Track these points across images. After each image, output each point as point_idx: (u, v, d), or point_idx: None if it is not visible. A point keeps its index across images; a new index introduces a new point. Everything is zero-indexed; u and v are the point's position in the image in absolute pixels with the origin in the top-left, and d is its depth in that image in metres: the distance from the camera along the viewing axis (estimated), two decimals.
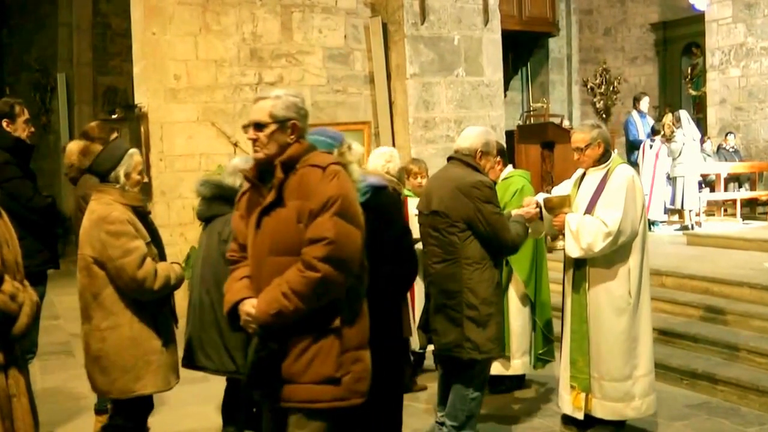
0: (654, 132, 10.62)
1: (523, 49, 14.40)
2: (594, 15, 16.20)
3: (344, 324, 2.86)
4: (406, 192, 5.45)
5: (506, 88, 12.71)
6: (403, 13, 8.89)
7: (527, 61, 14.68)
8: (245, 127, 2.97)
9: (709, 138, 12.38)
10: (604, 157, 4.51)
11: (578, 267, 4.48)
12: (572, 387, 4.50)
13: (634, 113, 11.39)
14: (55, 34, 13.75)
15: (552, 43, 14.65)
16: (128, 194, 3.68)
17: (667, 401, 5.14)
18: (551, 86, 14.71)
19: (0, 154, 4.74)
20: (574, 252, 4.37)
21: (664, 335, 6.13)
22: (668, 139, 10.24)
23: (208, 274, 4.08)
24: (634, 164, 10.40)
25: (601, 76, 16.12)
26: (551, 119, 12.56)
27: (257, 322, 2.83)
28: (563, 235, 4.42)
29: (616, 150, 7.91)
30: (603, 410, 4.44)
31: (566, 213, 4.42)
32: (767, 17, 11.94)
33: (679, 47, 15.92)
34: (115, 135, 4.94)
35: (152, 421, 4.10)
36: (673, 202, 10.39)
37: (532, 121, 13.25)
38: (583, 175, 4.60)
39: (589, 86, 16.02)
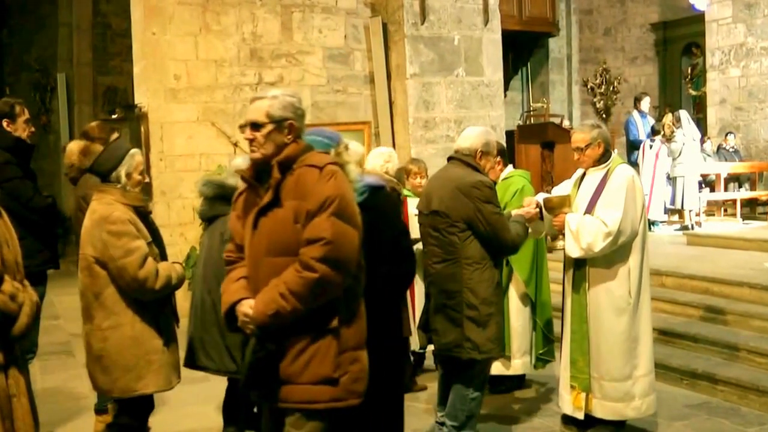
0: (654, 132, 10.62)
1: (523, 49, 14.40)
2: (594, 15, 16.20)
3: (342, 324, 2.86)
4: (405, 192, 5.46)
5: (506, 88, 12.71)
6: (403, 13, 8.89)
7: (527, 61, 14.68)
8: (242, 127, 2.96)
9: (709, 138, 12.38)
10: (604, 157, 4.51)
11: (578, 267, 4.48)
12: (572, 387, 4.50)
13: (635, 113, 11.40)
14: (55, 34, 13.75)
15: (552, 43, 14.65)
16: (129, 194, 3.68)
17: (667, 401, 5.14)
18: (551, 86, 14.71)
19: (0, 154, 4.74)
20: (574, 252, 4.37)
21: (664, 335, 6.13)
22: (668, 139, 10.24)
23: (210, 274, 4.08)
24: (634, 164, 10.40)
25: (601, 76, 16.12)
26: (551, 119, 12.57)
27: (255, 322, 2.82)
28: (563, 235, 4.42)
29: (616, 150, 7.91)
30: (603, 410, 4.44)
31: (566, 213, 4.42)
32: (767, 17, 11.94)
33: (679, 47, 15.92)
34: (115, 135, 4.94)
35: (152, 420, 4.10)
36: (673, 202, 10.40)
37: (532, 121, 13.25)
38: (583, 175, 4.60)
39: (589, 86, 16.02)
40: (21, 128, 4.86)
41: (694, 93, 15.65)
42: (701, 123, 13.18)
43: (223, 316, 2.98)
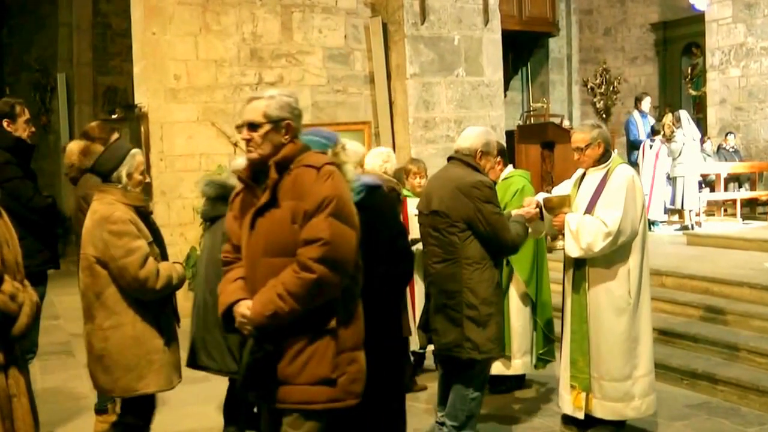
0: (654, 132, 10.63)
1: (523, 49, 14.40)
2: (594, 15, 16.20)
3: (340, 325, 2.86)
4: (405, 192, 5.45)
5: (506, 88, 12.71)
6: (403, 13, 8.89)
7: (527, 61, 14.68)
8: (239, 127, 2.96)
9: (709, 138, 12.38)
10: (604, 157, 4.51)
11: (578, 267, 4.48)
12: (572, 387, 4.50)
13: (636, 113, 11.41)
14: (55, 34, 13.75)
15: (552, 43, 14.65)
16: (130, 194, 3.69)
17: (667, 401, 5.14)
18: (551, 86, 14.71)
19: (0, 154, 4.75)
20: (574, 252, 4.37)
21: (664, 335, 6.13)
22: (668, 139, 10.24)
23: (212, 275, 4.08)
24: (634, 164, 10.41)
25: (601, 76, 16.12)
26: (551, 119, 12.57)
27: (252, 323, 2.82)
28: (563, 235, 4.42)
29: (616, 150, 7.91)
30: (603, 410, 4.44)
31: (566, 213, 4.42)
32: (767, 17, 11.94)
33: (679, 47, 15.92)
34: (116, 135, 4.94)
35: (153, 420, 4.10)
36: (673, 202, 10.40)
37: (532, 121, 13.25)
38: (584, 175, 4.60)
39: (589, 86, 16.02)
40: (21, 128, 4.87)
41: (694, 93, 15.66)
42: (701, 123, 13.18)
43: (220, 317, 2.97)
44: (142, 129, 8.37)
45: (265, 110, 2.88)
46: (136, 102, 8.73)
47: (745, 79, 12.27)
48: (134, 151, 3.79)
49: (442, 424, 4.31)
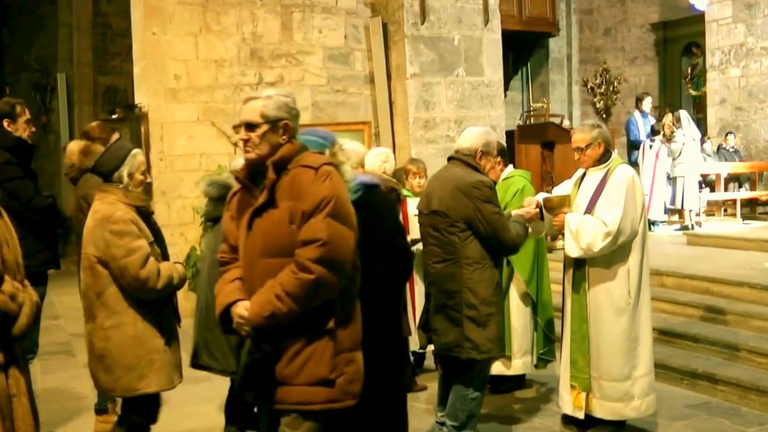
0: (654, 132, 10.63)
1: (523, 49, 14.40)
2: (594, 15, 16.20)
3: (338, 325, 2.85)
4: (405, 192, 5.45)
5: (506, 88, 12.71)
6: (403, 13, 8.90)
7: (527, 61, 14.68)
8: (236, 128, 2.95)
9: (709, 138, 12.38)
10: (604, 157, 4.52)
11: (578, 267, 4.48)
12: (572, 387, 4.50)
13: (636, 113, 11.41)
14: (55, 34, 13.76)
15: (552, 43, 14.65)
16: (131, 194, 3.69)
17: (668, 401, 5.14)
18: (551, 86, 14.71)
19: (1, 154, 4.75)
20: (574, 252, 4.37)
21: (664, 335, 6.13)
22: (668, 139, 10.24)
23: (215, 275, 4.05)
24: (634, 164, 10.41)
25: (601, 76, 16.12)
26: (551, 119, 12.57)
27: (250, 324, 2.81)
28: (563, 235, 4.42)
29: (616, 150, 7.91)
30: (602, 410, 4.44)
31: (566, 213, 4.42)
32: (767, 17, 11.94)
33: (679, 47, 15.93)
34: (116, 135, 4.94)
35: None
36: (673, 202, 10.40)
37: (532, 121, 13.25)
38: (584, 175, 4.60)
39: (589, 86, 16.02)
40: (22, 128, 4.87)
41: (694, 93, 15.66)
42: (701, 123, 13.18)
43: (218, 318, 2.96)
44: (142, 129, 8.38)
45: (263, 110, 2.87)
46: (136, 102, 8.74)
47: (745, 79, 12.27)
48: (135, 151, 3.79)
49: (443, 424, 4.31)
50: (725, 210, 11.20)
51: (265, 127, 2.87)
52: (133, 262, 3.53)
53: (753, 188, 11.78)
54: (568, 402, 4.54)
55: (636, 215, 4.34)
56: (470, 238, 4.05)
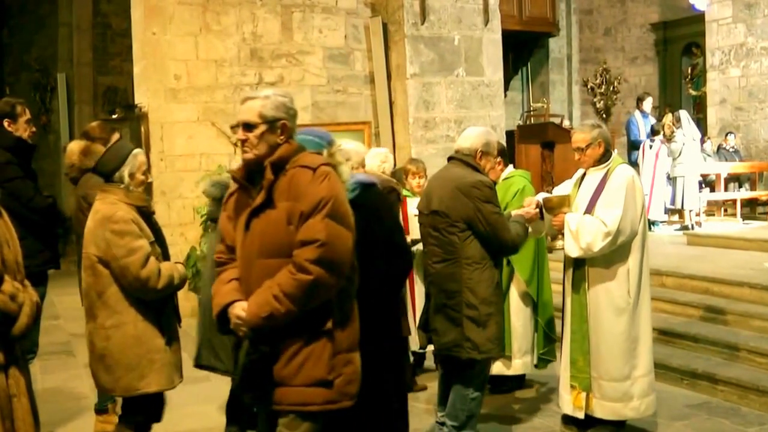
0: (654, 132, 10.63)
1: (523, 49, 14.40)
2: (594, 15, 16.20)
3: (336, 326, 2.84)
4: (404, 192, 5.45)
5: (506, 88, 12.71)
6: (403, 13, 8.90)
7: (527, 61, 14.68)
8: (234, 128, 2.94)
9: (709, 138, 12.38)
10: (604, 157, 4.52)
11: (578, 267, 4.48)
12: (572, 387, 4.51)
13: (637, 113, 11.41)
14: (55, 34, 13.76)
15: (552, 43, 14.64)
16: (132, 194, 3.69)
17: (668, 401, 5.14)
18: (551, 86, 14.71)
19: (1, 154, 4.75)
20: (574, 252, 4.37)
21: (664, 335, 6.13)
22: (668, 139, 10.24)
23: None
24: (634, 164, 10.41)
25: (601, 76, 16.12)
26: (551, 119, 12.57)
27: (248, 325, 2.80)
28: (563, 235, 4.42)
29: (616, 150, 7.91)
30: (602, 410, 4.44)
31: (566, 213, 4.42)
32: (767, 17, 11.94)
33: (679, 47, 15.93)
34: (116, 135, 4.95)
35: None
36: (673, 202, 10.40)
37: (532, 121, 13.25)
38: (584, 175, 4.60)
39: (589, 86, 16.02)
40: (22, 128, 4.87)
41: (694, 93, 15.66)
42: (701, 123, 13.18)
43: (215, 318, 2.95)
44: (142, 129, 8.38)
45: (261, 110, 2.86)
46: (136, 102, 8.74)
47: (745, 79, 12.27)
48: (136, 151, 3.79)
49: (443, 424, 4.31)
50: (725, 210, 11.20)
51: (263, 128, 2.86)
52: (134, 262, 3.53)
53: (753, 188, 11.78)
54: (568, 402, 4.54)
55: (636, 215, 4.34)
56: (470, 238, 4.05)
